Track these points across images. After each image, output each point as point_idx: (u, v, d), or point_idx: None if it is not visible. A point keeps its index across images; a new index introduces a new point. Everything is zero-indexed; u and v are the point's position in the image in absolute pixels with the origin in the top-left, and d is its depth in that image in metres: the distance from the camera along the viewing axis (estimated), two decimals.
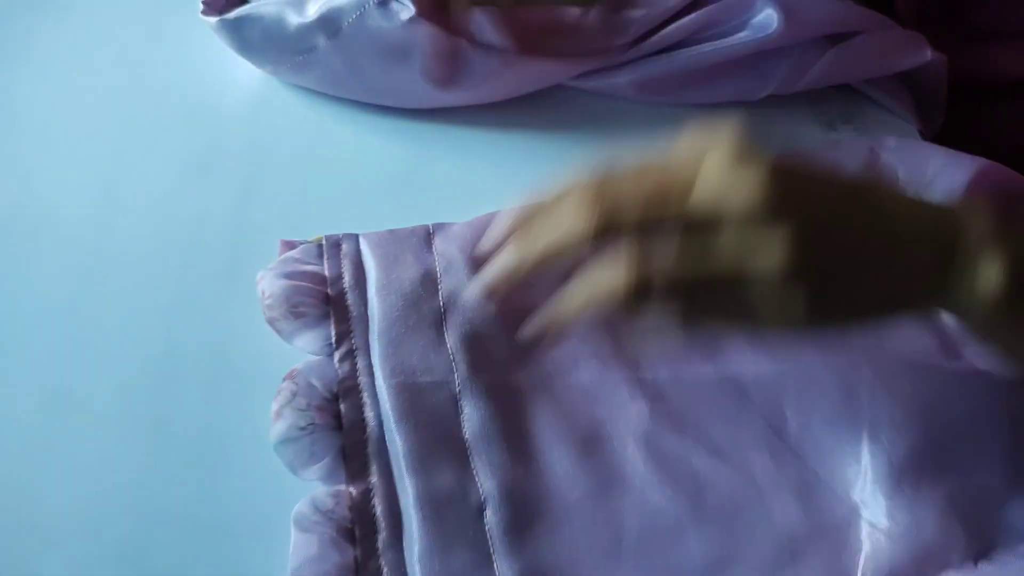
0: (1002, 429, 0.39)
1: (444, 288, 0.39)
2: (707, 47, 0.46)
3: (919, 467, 0.37)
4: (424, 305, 0.38)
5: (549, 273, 0.33)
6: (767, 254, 0.28)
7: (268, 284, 0.38)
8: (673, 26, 0.46)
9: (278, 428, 0.35)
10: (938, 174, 0.46)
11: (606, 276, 0.30)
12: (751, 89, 0.48)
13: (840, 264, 0.29)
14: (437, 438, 0.36)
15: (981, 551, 0.37)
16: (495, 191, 0.41)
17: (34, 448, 0.36)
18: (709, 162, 0.29)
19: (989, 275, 0.30)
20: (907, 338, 0.40)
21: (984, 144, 0.51)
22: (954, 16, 0.54)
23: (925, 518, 0.36)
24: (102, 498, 0.35)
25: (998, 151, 0.50)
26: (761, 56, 0.47)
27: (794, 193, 0.29)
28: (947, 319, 0.35)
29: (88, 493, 0.35)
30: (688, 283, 0.29)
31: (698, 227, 0.29)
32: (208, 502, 0.35)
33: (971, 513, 0.37)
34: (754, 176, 0.29)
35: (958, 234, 0.30)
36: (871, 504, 0.37)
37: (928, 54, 0.50)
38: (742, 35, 0.46)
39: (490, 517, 0.35)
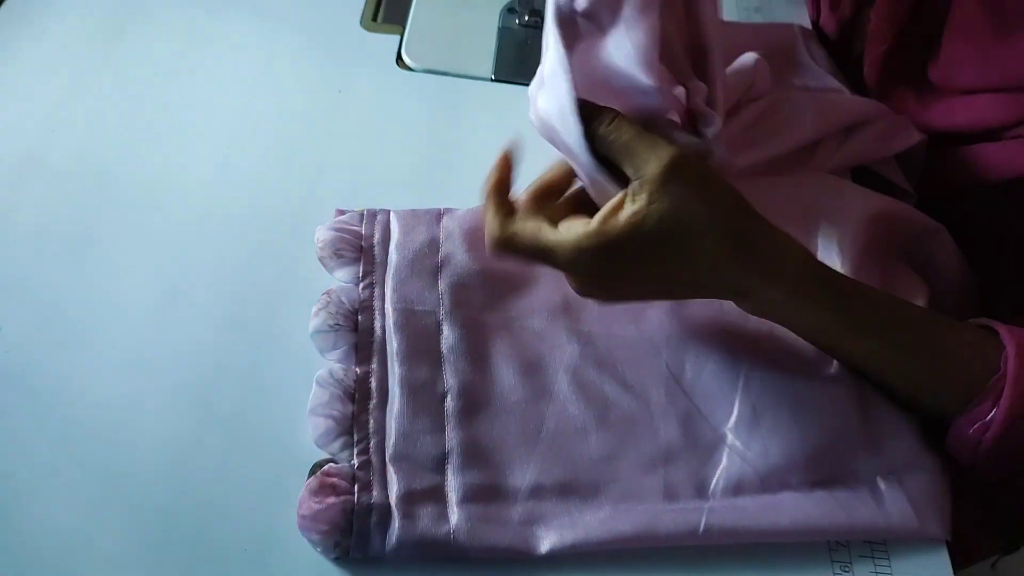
0: (854, 392, 0.47)
1: (442, 251, 0.50)
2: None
3: (776, 412, 0.46)
4: (427, 260, 0.50)
5: None
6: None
7: (322, 234, 0.51)
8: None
9: (314, 323, 0.47)
10: (850, 207, 0.54)
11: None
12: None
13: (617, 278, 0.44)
14: (421, 346, 0.47)
15: (821, 481, 0.45)
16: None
17: (154, 316, 0.49)
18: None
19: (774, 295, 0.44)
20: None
21: (930, 184, 0.59)
22: (912, 74, 0.60)
23: (773, 448, 0.46)
24: (191, 355, 0.47)
25: (942, 191, 0.58)
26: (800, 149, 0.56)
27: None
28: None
29: (183, 354, 0.47)
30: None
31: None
32: (264, 363, 0.48)
33: (819, 451, 0.45)
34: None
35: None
36: (734, 435, 0.46)
37: (916, 136, 0.57)
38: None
39: (449, 403, 0.46)
